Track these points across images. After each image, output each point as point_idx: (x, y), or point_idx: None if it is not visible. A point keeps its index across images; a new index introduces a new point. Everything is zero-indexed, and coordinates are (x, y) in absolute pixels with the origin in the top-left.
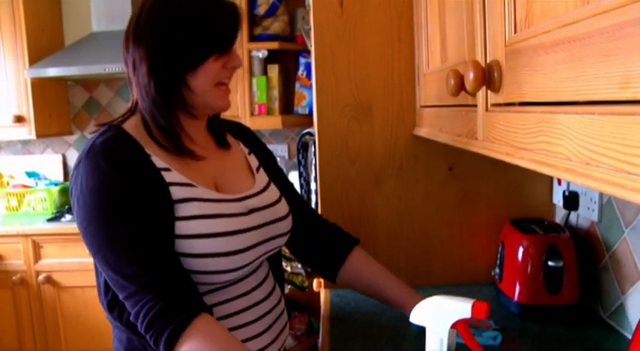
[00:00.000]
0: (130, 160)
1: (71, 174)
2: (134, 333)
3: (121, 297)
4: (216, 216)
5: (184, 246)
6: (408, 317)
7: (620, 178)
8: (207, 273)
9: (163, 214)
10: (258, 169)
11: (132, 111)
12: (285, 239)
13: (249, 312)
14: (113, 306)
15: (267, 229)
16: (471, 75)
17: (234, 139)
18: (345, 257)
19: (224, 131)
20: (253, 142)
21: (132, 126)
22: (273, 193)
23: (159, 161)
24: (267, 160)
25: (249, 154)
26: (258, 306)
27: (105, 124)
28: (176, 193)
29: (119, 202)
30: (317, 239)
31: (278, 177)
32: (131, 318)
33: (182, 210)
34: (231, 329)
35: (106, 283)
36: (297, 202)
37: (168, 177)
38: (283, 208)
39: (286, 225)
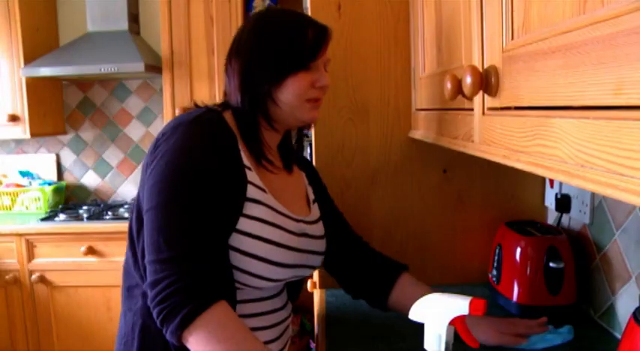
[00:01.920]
0: (227, 146)
1: (162, 133)
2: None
3: (148, 259)
4: (275, 225)
5: (238, 241)
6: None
7: (613, 179)
8: (244, 272)
9: (234, 205)
10: (313, 202)
11: (225, 106)
12: (311, 272)
13: (264, 317)
14: None
15: (307, 256)
16: (469, 79)
17: (297, 168)
18: (394, 283)
19: (293, 155)
20: (313, 176)
21: (230, 119)
22: (322, 228)
23: (245, 158)
24: (322, 194)
25: (309, 185)
26: (274, 313)
27: (205, 107)
28: (251, 192)
29: (201, 173)
30: (363, 267)
31: (329, 207)
32: (145, 285)
33: (250, 209)
34: None
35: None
36: (344, 230)
37: (249, 175)
38: (323, 244)
39: (319, 260)
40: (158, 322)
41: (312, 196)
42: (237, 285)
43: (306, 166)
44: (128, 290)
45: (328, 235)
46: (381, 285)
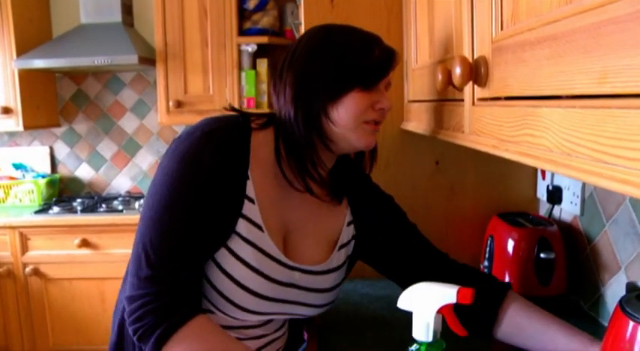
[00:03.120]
0: (229, 172)
1: (180, 135)
2: None
3: (130, 270)
4: (257, 271)
5: (210, 271)
6: None
7: (597, 167)
8: (211, 304)
9: (217, 235)
10: (342, 246)
11: (270, 119)
12: (302, 318)
13: (249, 342)
14: None
15: (291, 307)
16: (459, 70)
17: (346, 200)
18: (499, 309)
19: (346, 187)
20: (368, 194)
21: (260, 139)
22: (333, 278)
23: (251, 188)
24: (378, 216)
25: (349, 224)
26: (256, 340)
27: (244, 114)
28: (241, 227)
29: (194, 196)
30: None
31: (391, 227)
32: (124, 296)
33: (235, 244)
34: None
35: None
36: (421, 248)
37: (247, 209)
38: (326, 297)
39: (312, 311)
40: (135, 340)
41: (344, 239)
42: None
43: (365, 192)
44: (124, 280)
45: (382, 261)
46: (483, 313)
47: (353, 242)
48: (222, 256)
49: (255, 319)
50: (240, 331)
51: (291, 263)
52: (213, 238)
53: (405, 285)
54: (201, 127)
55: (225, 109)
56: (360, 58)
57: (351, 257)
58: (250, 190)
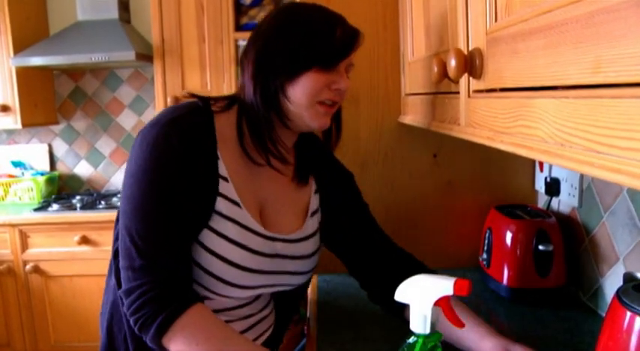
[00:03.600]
0: (200, 152)
1: (142, 129)
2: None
3: (121, 264)
4: (241, 246)
5: (196, 253)
6: None
7: (589, 157)
8: (199, 285)
9: (199, 216)
10: (313, 214)
11: (232, 100)
12: (290, 288)
13: (232, 324)
14: (119, 268)
15: (278, 277)
16: (453, 62)
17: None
18: None
19: (311, 165)
20: (331, 170)
21: (223, 120)
22: (311, 245)
23: (222, 168)
24: (339, 191)
25: (315, 192)
26: (244, 320)
27: (204, 99)
28: (220, 205)
29: (170, 181)
30: (385, 271)
31: (349, 203)
32: (120, 292)
33: (216, 223)
34: None
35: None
36: (368, 227)
37: (222, 187)
38: (309, 263)
39: (300, 279)
40: (136, 330)
41: (313, 207)
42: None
43: (328, 168)
44: (109, 269)
45: (346, 242)
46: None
47: (320, 210)
48: (207, 236)
49: (246, 294)
50: (227, 314)
51: (271, 234)
52: (196, 219)
53: (355, 271)
54: (163, 116)
55: (185, 96)
56: (320, 38)
57: (321, 224)
58: (222, 169)
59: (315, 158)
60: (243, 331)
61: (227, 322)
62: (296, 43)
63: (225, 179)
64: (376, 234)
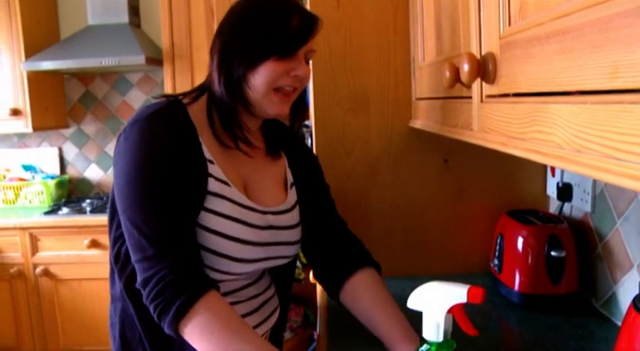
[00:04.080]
0: (185, 138)
1: (123, 130)
2: (131, 300)
3: (134, 259)
4: (237, 220)
5: (200, 236)
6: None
7: (608, 164)
8: (206, 267)
9: (196, 198)
10: (292, 186)
11: (201, 90)
12: (286, 261)
13: (241, 305)
14: (124, 268)
15: (275, 248)
16: (466, 67)
17: (283, 151)
18: (350, 276)
19: (280, 141)
20: (297, 149)
21: (196, 110)
22: (296, 215)
23: (207, 152)
24: (306, 170)
25: (289, 166)
26: (251, 301)
27: (173, 95)
28: (212, 185)
29: (164, 169)
30: (332, 251)
31: (314, 184)
32: (137, 284)
33: (211, 203)
34: None
35: (119, 247)
36: (327, 209)
37: (210, 169)
38: (297, 233)
39: (293, 250)
40: (155, 318)
41: (290, 179)
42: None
43: (289, 140)
44: (110, 278)
45: (308, 218)
46: (337, 274)
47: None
48: (205, 217)
49: (250, 268)
50: (236, 295)
51: (261, 208)
52: (194, 201)
53: (306, 247)
54: (141, 113)
55: (154, 97)
56: (276, 28)
57: (299, 196)
58: (206, 152)
59: (284, 135)
60: (251, 312)
61: (236, 303)
62: (254, 33)
63: (211, 161)
64: (334, 215)
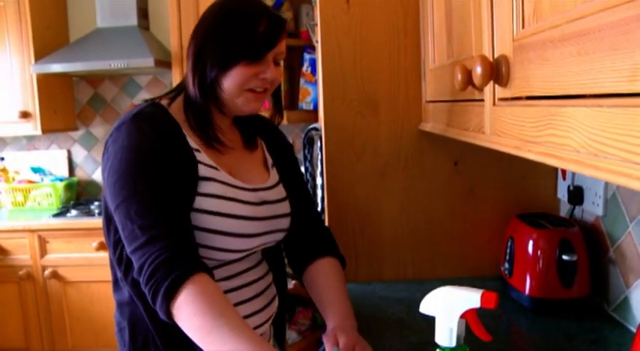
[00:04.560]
0: (170, 132)
1: (109, 134)
2: (140, 299)
3: (129, 250)
4: (232, 199)
5: (199, 220)
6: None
7: (627, 168)
8: (212, 249)
9: (188, 185)
10: (272, 166)
11: (178, 90)
12: (283, 235)
13: (241, 291)
14: (128, 270)
15: (272, 222)
16: (479, 70)
17: (260, 139)
18: (315, 260)
19: (255, 132)
20: (274, 136)
21: (175, 108)
22: (282, 190)
23: (192, 142)
24: (283, 155)
25: (267, 151)
26: (254, 284)
27: (151, 100)
28: (202, 170)
29: (153, 160)
30: (303, 234)
31: (290, 169)
32: (134, 273)
33: (204, 187)
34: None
35: (120, 250)
36: (301, 194)
37: (198, 156)
38: (287, 206)
39: (287, 222)
40: (150, 301)
41: (270, 161)
42: (208, 262)
43: (264, 127)
44: (114, 284)
45: (291, 194)
46: (303, 258)
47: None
48: (201, 201)
49: (253, 244)
50: (241, 277)
51: (251, 186)
52: (187, 187)
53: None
54: (125, 117)
55: (134, 104)
56: (245, 33)
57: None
58: (192, 142)
59: (261, 126)
60: (255, 296)
61: (240, 287)
62: (225, 38)
63: (197, 150)
64: (309, 202)
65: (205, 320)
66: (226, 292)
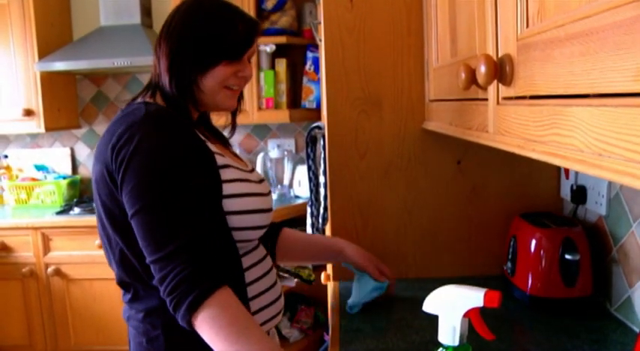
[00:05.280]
0: (185, 129)
1: (116, 137)
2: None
3: (149, 259)
4: (246, 180)
5: (229, 204)
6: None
7: (631, 167)
8: (244, 229)
9: (212, 177)
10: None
11: (152, 89)
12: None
13: (257, 268)
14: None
15: (271, 199)
16: (483, 69)
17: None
18: (277, 238)
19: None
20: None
21: (160, 103)
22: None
23: (199, 134)
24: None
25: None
26: (262, 263)
27: (134, 101)
28: (218, 160)
29: (178, 163)
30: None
31: None
32: (154, 281)
33: (224, 174)
34: (259, 295)
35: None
36: None
37: (210, 147)
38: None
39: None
40: (171, 310)
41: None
42: (241, 247)
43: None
44: (134, 295)
45: None
46: (267, 243)
47: None
48: (227, 187)
49: (268, 220)
50: (260, 266)
51: (248, 169)
52: (211, 182)
53: None
54: (133, 120)
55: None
56: (225, 35)
57: None
58: (199, 134)
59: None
60: (272, 286)
61: (261, 277)
62: (204, 41)
63: (205, 141)
64: None
65: (230, 331)
66: (258, 279)
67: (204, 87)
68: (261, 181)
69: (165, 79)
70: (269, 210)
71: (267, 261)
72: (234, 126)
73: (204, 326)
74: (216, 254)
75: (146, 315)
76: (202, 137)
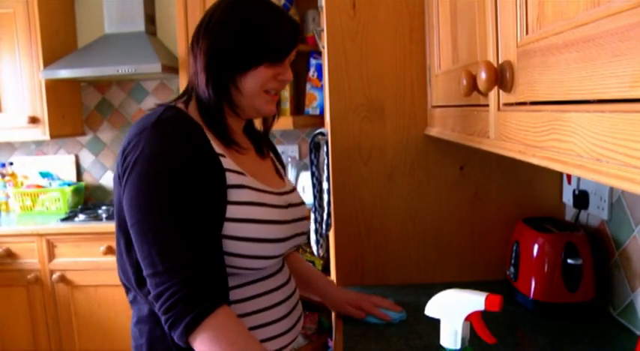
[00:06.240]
0: (196, 141)
1: (127, 141)
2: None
3: (146, 273)
4: (263, 204)
5: (233, 229)
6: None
7: (629, 172)
8: (248, 257)
9: (217, 196)
10: (285, 175)
11: (188, 94)
12: (302, 239)
13: (271, 295)
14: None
15: (297, 224)
16: (484, 75)
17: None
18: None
19: (262, 139)
20: (274, 149)
21: (193, 112)
22: (299, 195)
23: (216, 147)
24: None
25: (276, 160)
26: (280, 290)
27: (163, 104)
28: (230, 178)
29: (177, 178)
30: None
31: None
32: (150, 297)
33: (234, 195)
34: (256, 312)
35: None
36: None
37: (224, 163)
38: (304, 211)
39: (308, 225)
40: (166, 329)
41: (281, 171)
42: (238, 271)
43: (272, 147)
44: (133, 299)
45: None
46: None
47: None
48: (233, 209)
49: (284, 249)
50: (273, 295)
51: (277, 190)
52: (214, 202)
53: None
54: (146, 123)
55: (148, 109)
56: (269, 36)
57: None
58: (216, 147)
59: (263, 137)
60: (288, 314)
61: (275, 305)
62: (246, 40)
63: (222, 155)
64: None
65: None
66: (267, 308)
67: (243, 88)
68: (287, 206)
69: (201, 79)
70: (279, 240)
71: (285, 289)
72: (267, 131)
73: (203, 348)
74: (215, 272)
75: (138, 321)
76: (219, 150)
